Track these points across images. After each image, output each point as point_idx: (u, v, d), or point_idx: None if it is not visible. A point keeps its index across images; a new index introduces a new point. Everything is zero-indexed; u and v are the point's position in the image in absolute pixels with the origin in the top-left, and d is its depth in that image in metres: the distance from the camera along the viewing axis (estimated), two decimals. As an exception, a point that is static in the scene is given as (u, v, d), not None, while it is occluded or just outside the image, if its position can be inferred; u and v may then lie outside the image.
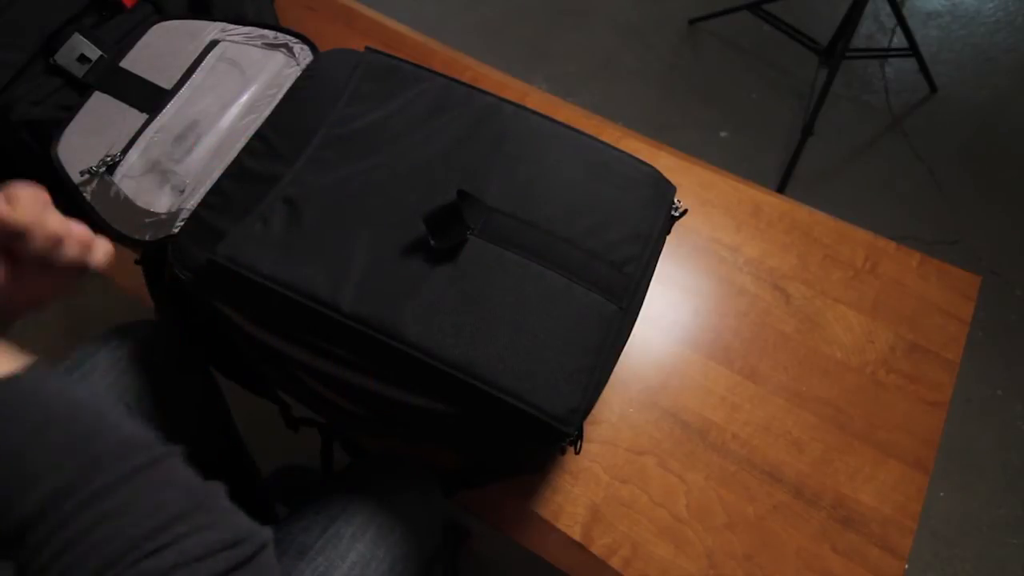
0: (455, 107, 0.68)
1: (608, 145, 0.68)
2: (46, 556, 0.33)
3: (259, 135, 0.68)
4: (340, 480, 0.64)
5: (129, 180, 0.69)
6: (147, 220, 0.69)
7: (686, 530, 0.66)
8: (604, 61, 1.78)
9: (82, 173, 0.69)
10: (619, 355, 0.64)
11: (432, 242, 0.59)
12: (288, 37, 0.76)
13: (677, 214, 0.68)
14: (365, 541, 0.57)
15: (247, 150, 0.68)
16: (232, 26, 0.76)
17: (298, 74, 0.73)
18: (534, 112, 0.69)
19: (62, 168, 0.68)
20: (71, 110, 0.71)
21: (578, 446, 0.60)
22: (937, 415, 0.71)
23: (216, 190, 0.66)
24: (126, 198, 0.68)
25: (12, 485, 0.34)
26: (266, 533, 0.40)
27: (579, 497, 0.68)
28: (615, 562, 0.65)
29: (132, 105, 0.71)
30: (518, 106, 0.69)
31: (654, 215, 0.65)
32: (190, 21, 0.76)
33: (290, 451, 1.09)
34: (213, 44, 0.75)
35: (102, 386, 0.65)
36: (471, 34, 1.83)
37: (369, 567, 0.56)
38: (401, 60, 0.72)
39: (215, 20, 0.77)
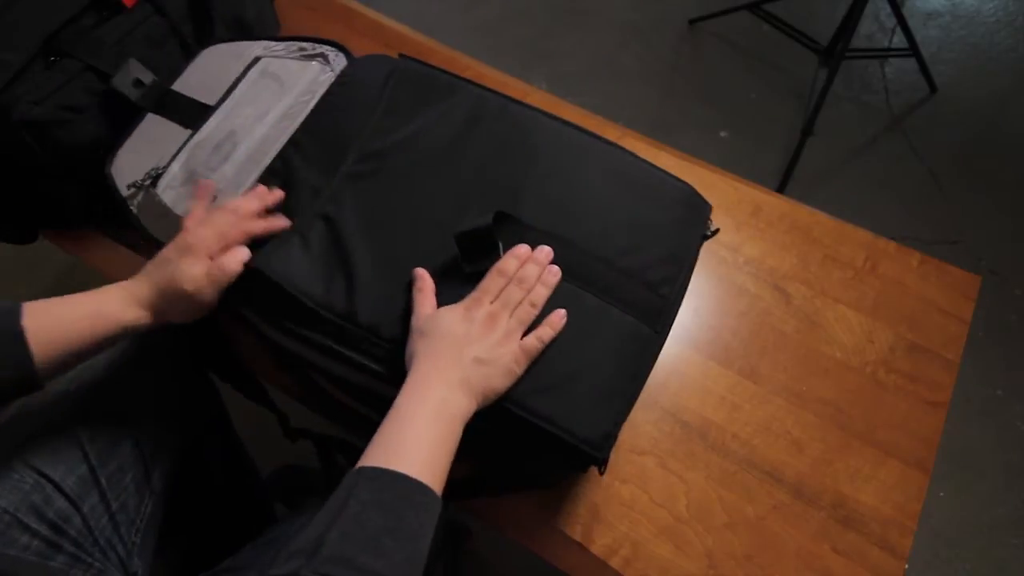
0: (489, 120, 0.67)
1: (644, 160, 0.66)
2: None
3: (293, 141, 0.68)
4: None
5: (170, 190, 0.70)
6: (183, 227, 0.70)
7: (686, 530, 0.66)
8: (604, 61, 1.78)
9: (128, 187, 0.71)
10: (648, 377, 0.62)
11: (465, 267, 0.57)
12: (324, 47, 0.77)
13: (709, 233, 0.67)
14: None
15: (281, 156, 0.68)
16: (274, 43, 0.79)
17: (332, 79, 0.73)
18: (570, 124, 0.68)
19: (113, 185, 0.71)
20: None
21: (603, 468, 0.57)
22: (937, 415, 0.71)
23: None
24: (167, 208, 0.70)
25: None
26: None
27: (579, 497, 0.68)
28: (615, 562, 0.65)
29: (179, 123, 0.74)
30: (554, 118, 0.68)
31: (691, 236, 0.64)
32: (237, 43, 0.79)
33: (290, 451, 1.09)
34: (256, 60, 0.76)
35: (101, 386, 0.65)
36: (471, 34, 1.83)
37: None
38: (436, 69, 0.71)
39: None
